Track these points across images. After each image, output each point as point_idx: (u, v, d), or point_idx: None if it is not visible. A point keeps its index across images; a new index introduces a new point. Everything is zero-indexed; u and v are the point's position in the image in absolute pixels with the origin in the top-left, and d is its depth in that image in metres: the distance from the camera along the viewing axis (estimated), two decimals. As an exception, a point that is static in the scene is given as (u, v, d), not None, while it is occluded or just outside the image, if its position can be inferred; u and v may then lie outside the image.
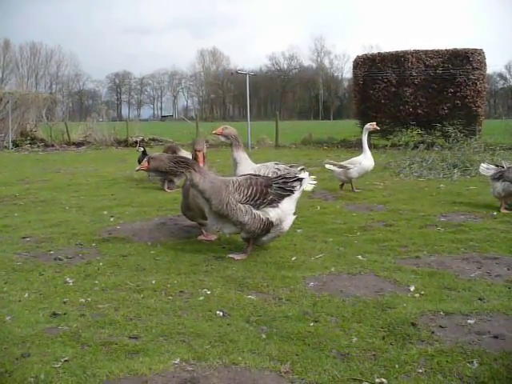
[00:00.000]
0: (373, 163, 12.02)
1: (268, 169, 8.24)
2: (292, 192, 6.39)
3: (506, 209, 9.22)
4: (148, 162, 6.50)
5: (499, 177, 9.14)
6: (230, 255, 6.47)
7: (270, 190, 6.28)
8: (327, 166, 12.07)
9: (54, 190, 12.68)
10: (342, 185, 12.05)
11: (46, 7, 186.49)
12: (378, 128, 12.88)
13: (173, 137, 32.90)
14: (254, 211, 6.21)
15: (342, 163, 11.88)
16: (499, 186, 9.13)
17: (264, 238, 6.50)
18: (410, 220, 8.50)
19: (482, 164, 9.90)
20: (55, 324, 4.35)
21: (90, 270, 5.92)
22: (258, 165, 8.18)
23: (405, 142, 18.89)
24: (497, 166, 9.60)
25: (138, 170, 6.87)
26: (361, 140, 12.24)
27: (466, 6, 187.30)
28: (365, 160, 11.77)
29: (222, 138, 8.18)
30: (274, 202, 6.28)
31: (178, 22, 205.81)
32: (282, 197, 6.32)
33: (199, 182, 6.20)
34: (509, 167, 9.22)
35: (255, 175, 6.73)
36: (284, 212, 6.35)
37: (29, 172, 17.00)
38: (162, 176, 8.07)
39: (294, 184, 6.43)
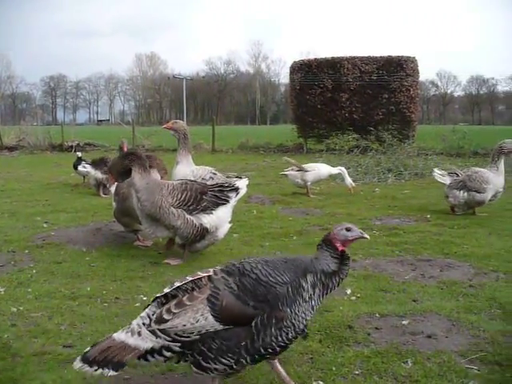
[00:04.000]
0: (327, 175, 12.20)
1: (206, 171, 8.23)
2: (227, 201, 6.44)
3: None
4: (111, 174, 6.54)
5: (461, 186, 9.30)
6: (167, 261, 6.43)
7: (205, 197, 6.30)
8: (286, 169, 12.08)
9: (-14, 195, 12.34)
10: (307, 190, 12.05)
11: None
12: (352, 192, 12.54)
13: (109, 141, 32.41)
14: (187, 216, 6.21)
15: (302, 165, 11.93)
16: (461, 195, 9.28)
17: (198, 245, 6.49)
18: (345, 224, 8.57)
19: (436, 170, 10.00)
20: (-15, 335, 4.21)
21: (22, 277, 5.76)
22: (197, 166, 8.17)
23: (340, 146, 19.15)
24: (450, 173, 9.72)
25: (109, 186, 6.88)
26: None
27: (399, 14, 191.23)
28: (323, 167, 11.93)
29: (172, 133, 8.15)
30: (208, 209, 6.30)
31: (117, 26, 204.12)
32: (217, 204, 6.35)
33: (137, 181, 6.22)
34: (468, 176, 9.36)
35: (192, 181, 6.72)
36: (219, 219, 6.38)
37: (-41, 177, 16.51)
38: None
39: (230, 194, 6.47)
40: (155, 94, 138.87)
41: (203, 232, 6.30)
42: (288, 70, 28.43)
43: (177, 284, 3.20)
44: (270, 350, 3.11)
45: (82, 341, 4.10)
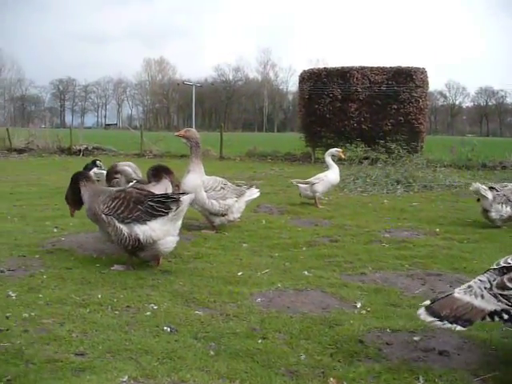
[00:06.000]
0: (338, 178, 12.23)
1: (216, 182, 8.29)
2: (165, 213, 6.21)
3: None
4: (69, 205, 6.95)
5: (504, 201, 9.37)
6: (114, 267, 6.44)
7: (140, 207, 6.22)
8: (294, 182, 12.09)
9: (-5, 198, 12.39)
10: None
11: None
12: (344, 157, 13.08)
13: (116, 146, 32.54)
14: (117, 224, 6.23)
15: (307, 180, 11.96)
16: (504, 209, 9.36)
17: (141, 255, 6.44)
18: (355, 236, 8.59)
19: (479, 185, 9.77)
20: (-3, 340, 4.21)
21: (33, 282, 5.76)
22: (208, 177, 8.21)
23: (350, 157, 19.14)
24: (490, 188, 9.68)
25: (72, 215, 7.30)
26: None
27: (409, 24, 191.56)
28: (330, 173, 11.93)
29: (184, 140, 8.25)
30: (140, 219, 6.20)
31: (128, 31, 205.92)
32: (153, 215, 6.20)
33: (83, 194, 6.65)
34: (511, 190, 9.53)
35: (136, 188, 6.77)
36: (155, 231, 6.20)
37: (-32, 179, 16.57)
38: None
39: (171, 205, 6.22)
40: (163, 99, 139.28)
41: (135, 243, 6.20)
42: (297, 79, 28.55)
43: None
44: None
45: (93, 349, 4.09)
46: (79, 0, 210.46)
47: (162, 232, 6.26)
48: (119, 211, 6.24)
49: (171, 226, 6.35)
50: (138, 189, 6.73)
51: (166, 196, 6.41)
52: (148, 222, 6.20)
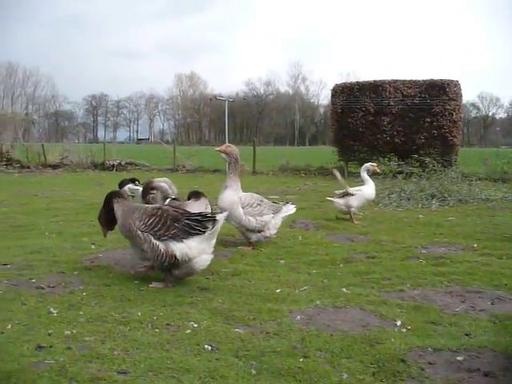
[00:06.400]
0: (374, 193, 12.21)
1: (253, 199, 8.31)
2: (202, 231, 6.23)
3: None
4: (101, 225, 7.05)
5: None
6: (152, 285, 6.46)
7: (177, 224, 6.24)
8: (329, 198, 12.10)
9: (32, 214, 12.53)
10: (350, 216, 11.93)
11: (24, 27, 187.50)
12: (379, 171, 13.02)
13: (149, 161, 32.79)
14: (154, 241, 6.25)
15: (347, 187, 11.87)
16: None
17: (176, 272, 6.43)
18: (391, 252, 8.52)
19: None
20: (41, 358, 4.24)
21: (73, 299, 5.81)
22: (244, 193, 8.24)
23: (383, 171, 19.00)
24: None
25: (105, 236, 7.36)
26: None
27: (440, 37, 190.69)
28: (365, 188, 11.91)
29: (223, 156, 8.33)
30: (177, 237, 6.22)
31: (159, 47, 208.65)
32: (190, 234, 6.22)
33: (116, 211, 6.70)
34: None
35: (171, 206, 6.83)
36: (191, 250, 6.22)
37: (5, 195, 16.80)
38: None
39: (207, 224, 6.25)
40: (195, 114, 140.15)
41: (172, 259, 6.22)
42: (328, 92, 28.73)
43: None
44: None
45: (135, 367, 4.10)
46: (112, 17, 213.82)
47: (198, 250, 6.30)
48: (156, 228, 6.28)
49: (207, 244, 6.39)
50: (173, 207, 6.80)
51: (202, 215, 6.44)
52: (185, 240, 6.23)
